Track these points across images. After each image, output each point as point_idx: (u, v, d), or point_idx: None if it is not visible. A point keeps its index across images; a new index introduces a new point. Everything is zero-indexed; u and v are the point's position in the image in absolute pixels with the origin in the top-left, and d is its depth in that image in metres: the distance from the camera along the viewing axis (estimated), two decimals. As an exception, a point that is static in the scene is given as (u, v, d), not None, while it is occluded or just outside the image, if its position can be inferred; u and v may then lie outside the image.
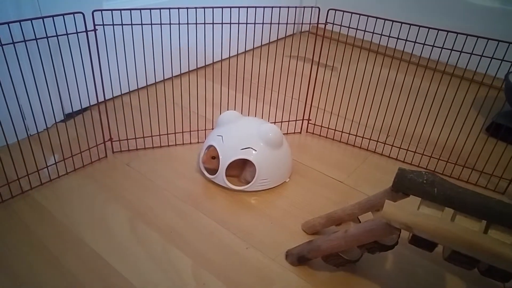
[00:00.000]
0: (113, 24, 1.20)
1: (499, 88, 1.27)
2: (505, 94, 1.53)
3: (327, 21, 1.33)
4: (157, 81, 1.40)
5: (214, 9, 1.26)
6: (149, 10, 1.22)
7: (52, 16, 1.10)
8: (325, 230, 1.14)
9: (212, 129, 1.42)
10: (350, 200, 1.25)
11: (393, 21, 1.25)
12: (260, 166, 1.24)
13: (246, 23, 1.30)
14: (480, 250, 0.77)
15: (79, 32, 1.15)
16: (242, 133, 1.29)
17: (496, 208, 0.79)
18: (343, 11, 1.28)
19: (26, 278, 1.00)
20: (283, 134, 1.31)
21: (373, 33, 1.27)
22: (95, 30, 1.18)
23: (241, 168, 1.29)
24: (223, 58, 1.92)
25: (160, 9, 1.22)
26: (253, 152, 1.24)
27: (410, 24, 1.23)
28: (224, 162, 1.25)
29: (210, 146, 1.29)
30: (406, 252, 1.11)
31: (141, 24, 1.21)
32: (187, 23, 1.24)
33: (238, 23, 1.29)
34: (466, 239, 0.77)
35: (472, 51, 1.18)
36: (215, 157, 1.26)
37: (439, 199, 0.83)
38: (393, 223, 0.83)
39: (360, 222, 1.05)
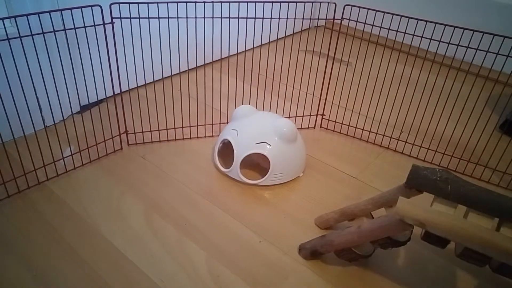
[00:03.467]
0: (130, 17, 1.21)
1: (515, 86, 1.27)
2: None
3: (343, 16, 1.33)
4: (172, 74, 1.41)
5: (231, 3, 1.26)
6: (166, 4, 1.23)
7: (70, 9, 1.11)
8: (338, 225, 1.15)
9: (227, 123, 1.43)
10: (363, 195, 1.26)
11: (409, 17, 1.24)
12: (274, 161, 1.25)
13: (263, 18, 1.30)
14: (492, 248, 0.77)
15: (96, 25, 1.17)
16: (257, 128, 1.30)
17: (508, 205, 0.79)
18: (359, 7, 1.28)
19: (42, 267, 1.01)
20: (297, 129, 1.32)
21: (389, 29, 1.27)
22: (112, 23, 1.19)
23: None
24: (238, 51, 1.93)
25: (177, 2, 1.22)
26: (268, 146, 1.25)
27: (426, 21, 1.22)
28: (238, 156, 1.26)
29: (226, 140, 1.30)
30: (418, 248, 1.12)
31: (158, 18, 1.22)
32: (204, 17, 1.25)
33: (255, 18, 1.30)
34: (478, 236, 0.78)
35: (488, 49, 1.17)
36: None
37: (452, 196, 0.83)
38: (406, 219, 0.83)
39: (373, 217, 1.06)
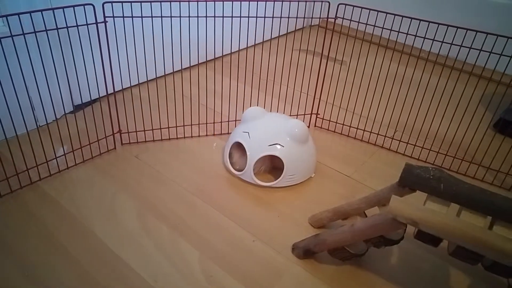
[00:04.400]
0: (123, 16, 1.20)
1: (508, 85, 1.27)
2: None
3: (337, 15, 1.33)
4: (166, 73, 1.41)
5: (224, 2, 1.26)
6: (159, 3, 1.22)
7: (63, 8, 1.11)
8: (332, 224, 1.15)
9: (221, 122, 1.43)
10: (357, 194, 1.26)
11: (403, 16, 1.24)
12: (288, 162, 1.24)
13: (256, 17, 1.30)
14: (484, 246, 0.77)
15: (89, 24, 1.16)
16: (268, 129, 1.29)
17: (501, 204, 0.79)
18: (353, 6, 1.28)
19: (34, 267, 1.01)
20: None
21: (382, 28, 1.27)
22: (105, 22, 1.18)
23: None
24: (232, 51, 1.93)
25: (170, 1, 1.22)
26: (281, 148, 1.24)
27: (420, 20, 1.22)
28: (252, 159, 1.25)
29: (237, 143, 1.30)
30: (411, 246, 1.12)
31: (151, 17, 1.22)
32: (197, 16, 1.24)
33: (248, 16, 1.29)
34: (470, 235, 0.78)
35: (482, 48, 1.17)
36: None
37: (445, 194, 0.83)
38: (399, 218, 0.83)
39: (366, 216, 1.06)
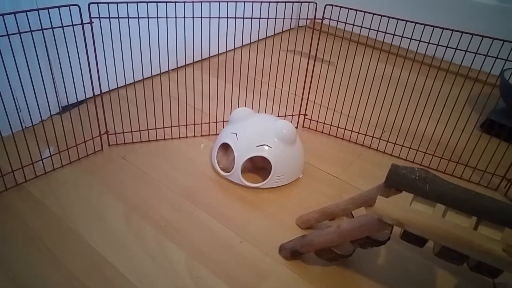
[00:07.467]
0: (109, 17, 1.20)
1: (494, 85, 1.28)
2: (499, 91, 1.53)
3: (324, 16, 1.33)
4: (153, 74, 1.40)
5: (211, 3, 1.26)
6: (145, 4, 1.21)
7: (48, 8, 1.10)
8: (319, 224, 1.15)
9: (209, 123, 1.42)
10: (345, 195, 1.26)
11: (389, 17, 1.25)
12: (276, 163, 1.24)
13: (243, 18, 1.29)
14: (469, 246, 0.78)
15: (75, 25, 1.15)
16: (256, 130, 1.29)
17: (486, 204, 0.79)
18: (340, 7, 1.28)
19: (20, 270, 1.00)
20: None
21: (369, 29, 1.28)
22: (91, 23, 1.18)
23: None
24: (220, 52, 1.92)
25: (157, 2, 1.21)
26: (268, 149, 1.24)
27: (406, 21, 1.23)
28: (239, 160, 1.25)
29: (225, 144, 1.29)
30: (398, 247, 1.12)
31: (138, 18, 1.21)
32: (184, 17, 1.24)
33: (235, 17, 1.29)
34: (455, 235, 0.78)
35: (467, 48, 1.18)
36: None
37: (431, 195, 0.83)
38: (385, 219, 0.83)
39: (353, 217, 1.06)
